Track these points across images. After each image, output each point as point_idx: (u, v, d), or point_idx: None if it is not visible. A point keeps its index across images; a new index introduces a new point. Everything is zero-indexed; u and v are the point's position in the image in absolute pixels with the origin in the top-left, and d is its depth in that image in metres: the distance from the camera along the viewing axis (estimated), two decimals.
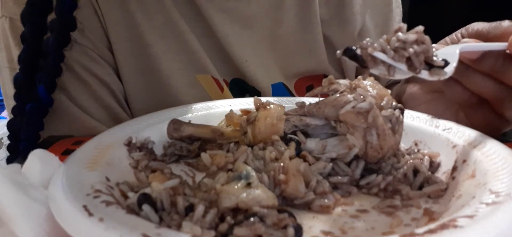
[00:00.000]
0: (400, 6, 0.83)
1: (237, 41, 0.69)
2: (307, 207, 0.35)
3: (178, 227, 0.28)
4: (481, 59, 0.44)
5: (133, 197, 0.31)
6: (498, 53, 0.44)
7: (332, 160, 0.40)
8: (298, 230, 0.28)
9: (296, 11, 0.72)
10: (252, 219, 0.28)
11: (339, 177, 0.38)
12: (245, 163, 0.38)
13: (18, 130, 0.56)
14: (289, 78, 0.74)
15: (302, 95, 0.74)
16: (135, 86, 0.67)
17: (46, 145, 0.50)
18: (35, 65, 0.57)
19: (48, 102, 0.58)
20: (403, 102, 0.55)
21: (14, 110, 0.57)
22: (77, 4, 0.59)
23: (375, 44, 0.34)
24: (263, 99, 0.45)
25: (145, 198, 0.30)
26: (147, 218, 0.29)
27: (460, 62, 0.43)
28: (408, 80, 0.58)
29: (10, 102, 0.64)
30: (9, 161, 0.56)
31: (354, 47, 0.35)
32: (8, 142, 0.57)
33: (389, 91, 0.41)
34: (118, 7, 0.64)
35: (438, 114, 0.47)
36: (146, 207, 0.30)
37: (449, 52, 0.39)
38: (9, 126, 0.57)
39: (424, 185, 0.37)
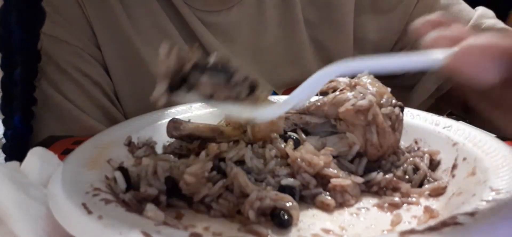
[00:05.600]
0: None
1: (221, 51, 0.65)
2: (309, 201, 0.35)
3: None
4: None
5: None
6: None
7: (333, 157, 0.39)
8: (288, 219, 0.30)
9: (278, 20, 0.68)
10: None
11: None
12: (245, 161, 0.38)
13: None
14: (277, 89, 0.70)
15: None
16: (125, 88, 0.65)
17: (46, 144, 0.50)
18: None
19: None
20: None
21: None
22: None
23: None
24: None
25: (121, 170, 0.34)
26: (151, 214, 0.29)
27: None
28: None
29: None
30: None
31: None
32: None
33: (388, 89, 0.41)
34: (101, 9, 0.63)
35: None
36: (149, 206, 0.30)
37: None
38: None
39: (424, 183, 0.37)
